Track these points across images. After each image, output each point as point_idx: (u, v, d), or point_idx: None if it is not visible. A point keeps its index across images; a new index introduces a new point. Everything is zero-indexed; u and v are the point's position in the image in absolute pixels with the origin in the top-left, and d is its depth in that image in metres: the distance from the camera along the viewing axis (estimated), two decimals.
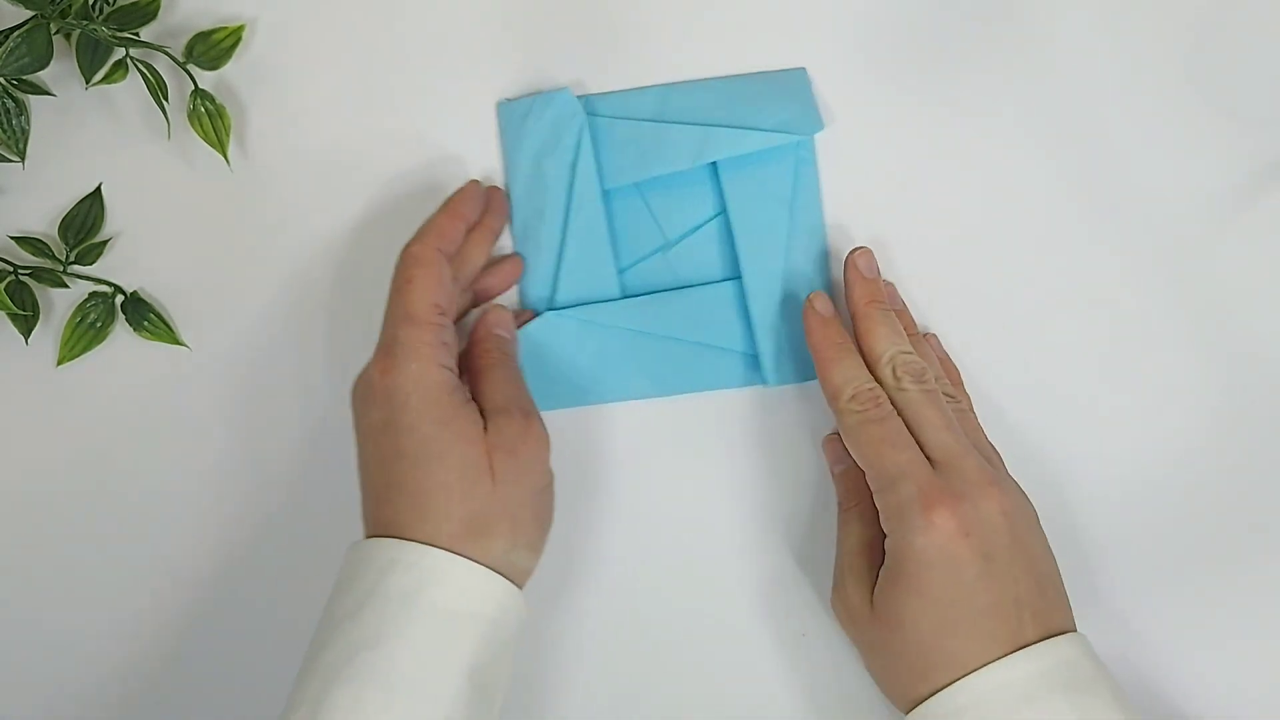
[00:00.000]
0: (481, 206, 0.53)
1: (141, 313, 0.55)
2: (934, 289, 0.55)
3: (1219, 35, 0.55)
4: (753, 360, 0.54)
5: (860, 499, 0.50)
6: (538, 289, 0.55)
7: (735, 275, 0.54)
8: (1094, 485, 0.54)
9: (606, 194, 0.54)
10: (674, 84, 0.55)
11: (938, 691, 0.44)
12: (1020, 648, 0.44)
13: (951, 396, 0.50)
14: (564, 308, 0.54)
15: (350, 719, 0.42)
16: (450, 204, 0.52)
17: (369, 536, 0.47)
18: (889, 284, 0.54)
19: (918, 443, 0.47)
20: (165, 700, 0.55)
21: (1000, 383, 0.54)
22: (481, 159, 0.56)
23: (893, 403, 0.48)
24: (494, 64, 0.56)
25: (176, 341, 0.55)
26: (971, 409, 0.52)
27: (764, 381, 0.54)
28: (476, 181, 0.54)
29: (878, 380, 0.49)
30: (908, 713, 0.46)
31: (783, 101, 0.54)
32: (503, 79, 0.56)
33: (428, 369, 0.47)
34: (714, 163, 0.54)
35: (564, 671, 0.54)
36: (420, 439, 0.46)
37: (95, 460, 0.56)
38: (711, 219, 0.55)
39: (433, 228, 0.51)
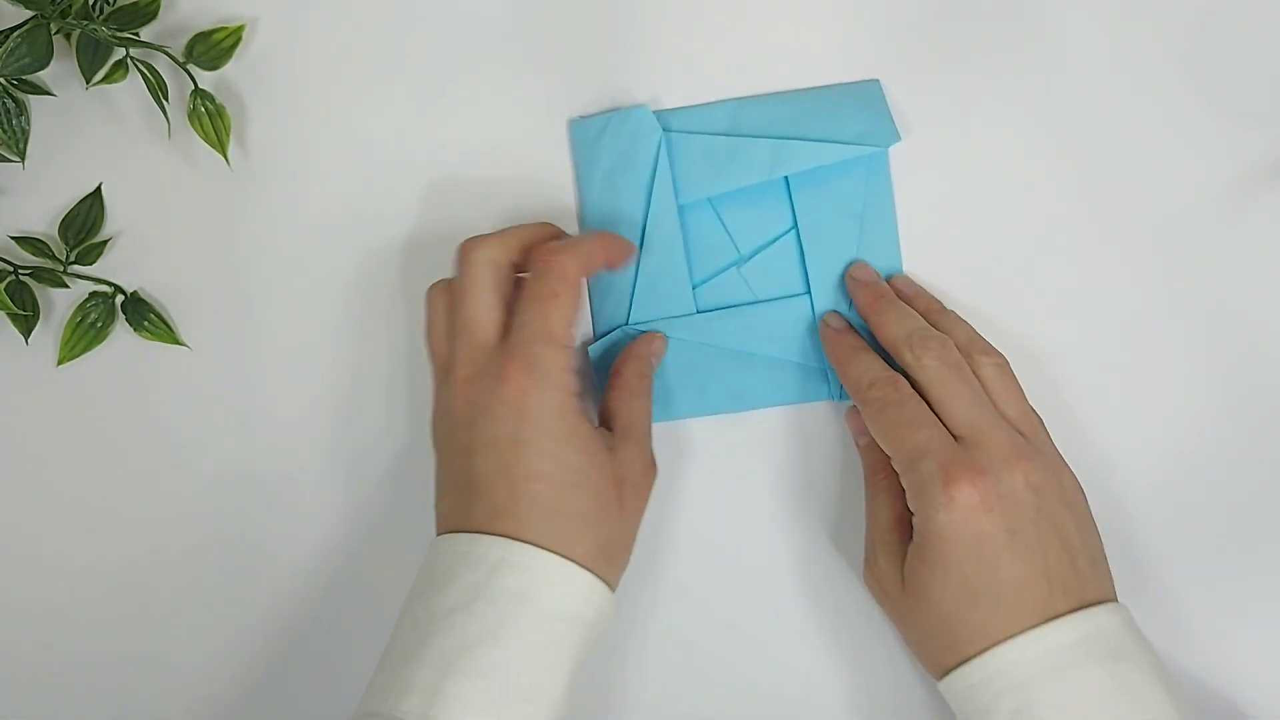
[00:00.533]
0: (628, 258, 0.52)
1: (141, 313, 0.55)
2: (934, 288, 0.55)
3: (1219, 35, 0.55)
4: (822, 374, 0.54)
5: (888, 473, 0.50)
6: (613, 305, 0.55)
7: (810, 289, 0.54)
8: (1094, 485, 0.54)
9: (680, 209, 0.54)
10: (747, 98, 0.55)
11: (968, 660, 0.45)
12: (1050, 619, 0.44)
13: (984, 357, 0.50)
14: (639, 324, 0.54)
15: (468, 710, 0.42)
16: (605, 234, 0.52)
17: (465, 531, 0.46)
18: (903, 276, 0.54)
19: (944, 419, 0.47)
20: (163, 698, 0.55)
21: None
22: (476, 159, 0.56)
23: (917, 383, 0.48)
24: (493, 67, 0.56)
25: (176, 341, 0.55)
26: (1009, 372, 0.51)
27: (831, 396, 0.54)
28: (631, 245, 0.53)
29: (902, 365, 0.49)
30: (940, 680, 0.47)
31: (858, 113, 0.54)
32: (499, 81, 0.56)
33: (566, 397, 0.46)
34: (787, 176, 0.54)
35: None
36: (560, 465, 0.45)
37: (95, 460, 0.56)
38: (786, 233, 0.55)
39: (585, 247, 0.49)
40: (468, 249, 0.49)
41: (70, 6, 0.52)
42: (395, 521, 0.55)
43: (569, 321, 0.47)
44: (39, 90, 0.55)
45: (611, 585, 0.47)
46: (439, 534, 0.48)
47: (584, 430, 0.47)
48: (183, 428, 0.56)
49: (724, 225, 0.54)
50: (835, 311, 0.53)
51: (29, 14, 0.52)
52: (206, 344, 0.56)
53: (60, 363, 0.55)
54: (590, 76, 0.56)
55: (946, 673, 0.46)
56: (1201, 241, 0.55)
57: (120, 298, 0.55)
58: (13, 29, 0.51)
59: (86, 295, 0.55)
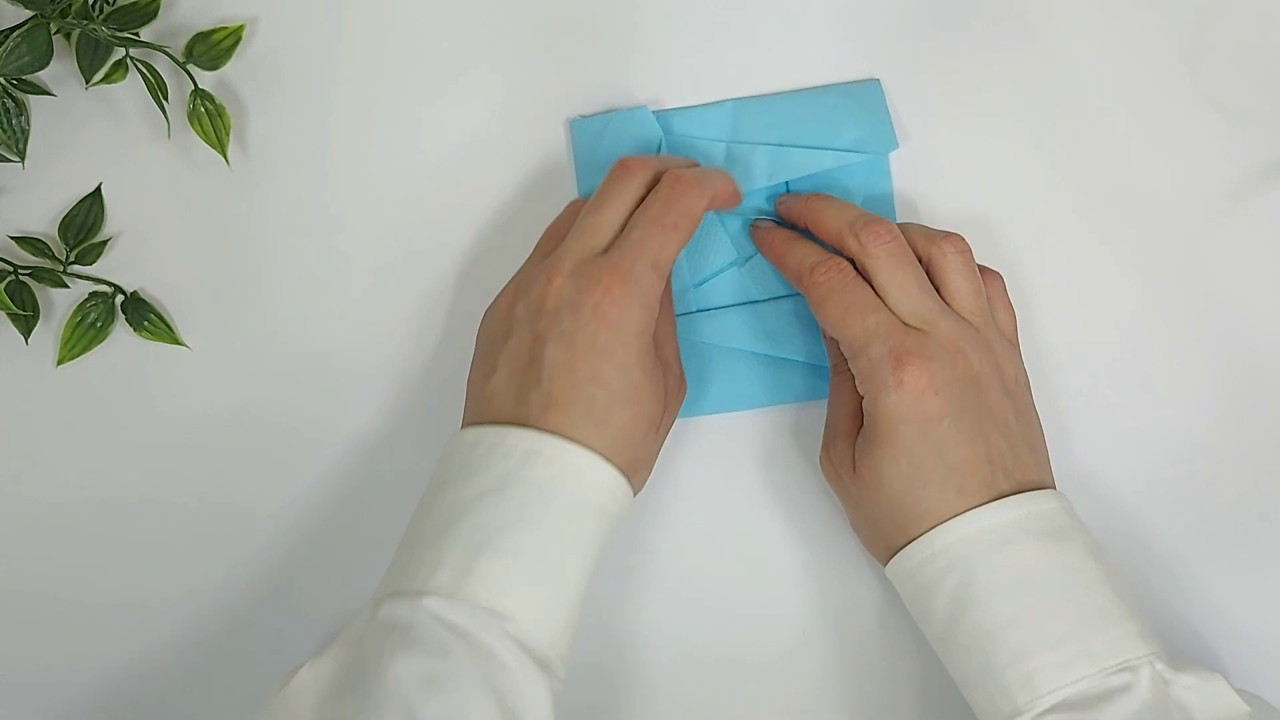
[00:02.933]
0: (734, 204, 0.52)
1: (141, 313, 0.55)
2: None
3: (1219, 34, 0.55)
4: (824, 373, 0.54)
5: None
6: None
7: None
8: (1094, 484, 0.54)
9: None
10: (747, 98, 0.55)
11: (913, 539, 0.46)
12: (993, 500, 0.46)
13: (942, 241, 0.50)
14: None
15: (497, 588, 0.43)
16: (726, 174, 0.51)
17: (497, 424, 0.47)
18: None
19: (890, 307, 0.48)
20: (162, 697, 0.55)
21: None
22: (475, 158, 0.56)
23: (865, 270, 0.48)
24: (493, 67, 0.56)
25: (176, 341, 0.55)
26: (970, 259, 0.50)
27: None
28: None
29: (847, 253, 0.49)
30: (887, 563, 0.48)
31: (858, 118, 0.54)
32: (500, 81, 0.56)
33: (650, 320, 0.47)
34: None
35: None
36: (629, 382, 0.46)
37: (95, 460, 0.56)
38: None
39: (712, 187, 0.49)
40: (631, 167, 0.49)
41: (70, 6, 0.52)
42: (398, 521, 0.55)
43: (676, 255, 0.48)
44: (39, 90, 0.55)
45: (633, 491, 0.48)
46: (473, 415, 0.48)
47: (652, 356, 0.48)
48: (183, 428, 0.56)
49: (724, 226, 0.54)
50: (762, 217, 0.54)
51: (29, 14, 0.52)
52: (206, 344, 0.56)
53: (60, 363, 0.55)
54: (590, 76, 0.56)
55: (893, 554, 0.47)
56: (1201, 242, 0.55)
57: (120, 298, 0.55)
58: (13, 29, 0.51)
59: (86, 295, 0.55)
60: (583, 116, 0.55)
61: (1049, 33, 0.55)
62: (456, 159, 0.56)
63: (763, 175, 0.53)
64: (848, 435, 0.49)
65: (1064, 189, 0.55)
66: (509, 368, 0.47)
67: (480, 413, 0.48)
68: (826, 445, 0.51)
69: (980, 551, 0.45)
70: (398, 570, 0.45)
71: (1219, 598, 0.53)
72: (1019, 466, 0.47)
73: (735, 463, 0.55)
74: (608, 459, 0.46)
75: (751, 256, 0.55)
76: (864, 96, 0.55)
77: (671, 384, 0.49)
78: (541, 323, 0.47)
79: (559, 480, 0.45)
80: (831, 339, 0.53)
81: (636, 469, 0.48)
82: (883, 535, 0.48)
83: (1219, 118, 0.55)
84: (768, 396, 0.55)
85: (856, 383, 0.48)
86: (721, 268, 0.55)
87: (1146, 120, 0.55)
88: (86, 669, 0.55)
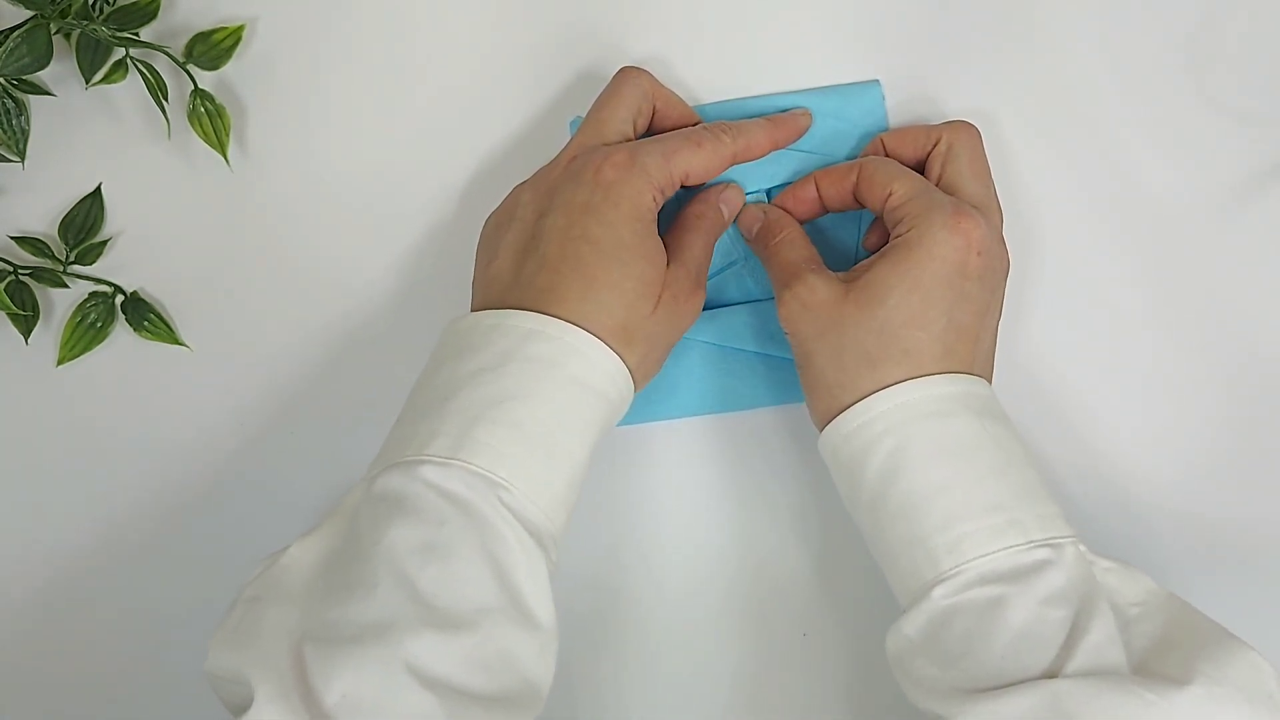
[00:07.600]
0: (786, 140, 0.53)
1: (141, 313, 0.55)
2: None
3: (1220, 35, 0.55)
4: None
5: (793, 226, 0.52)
6: None
7: None
8: (1095, 483, 0.54)
9: None
10: (747, 98, 0.55)
11: (863, 398, 0.46)
12: (943, 372, 0.46)
13: None
14: None
15: (494, 455, 0.43)
16: (780, 128, 0.53)
17: (496, 308, 0.47)
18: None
19: (959, 186, 0.50)
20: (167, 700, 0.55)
21: (998, 382, 0.54)
22: (477, 158, 0.56)
23: (946, 155, 0.51)
24: (493, 67, 0.56)
25: (176, 341, 0.55)
26: None
27: None
28: (807, 114, 0.54)
29: (935, 141, 0.51)
30: (829, 423, 0.47)
31: (857, 124, 0.54)
32: (500, 81, 0.56)
33: (648, 196, 0.48)
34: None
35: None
36: (617, 239, 0.47)
37: (95, 460, 0.56)
38: None
39: (757, 141, 0.51)
40: (628, 71, 0.52)
41: (70, 6, 0.52)
42: None
43: (694, 167, 0.49)
44: (39, 90, 0.55)
45: (632, 375, 0.48)
46: (480, 302, 0.49)
47: (649, 224, 0.48)
48: (183, 428, 0.56)
49: None
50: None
51: (29, 14, 0.52)
52: (206, 344, 0.56)
53: (60, 363, 0.55)
54: (591, 76, 0.56)
55: (835, 416, 0.47)
56: (1203, 243, 0.55)
57: (120, 298, 0.55)
58: (13, 29, 0.51)
59: (86, 295, 0.55)
60: (582, 117, 0.55)
61: (1050, 34, 0.55)
62: (457, 159, 0.56)
63: (763, 178, 0.53)
64: (818, 272, 0.49)
65: (1065, 190, 0.55)
66: (512, 249, 0.48)
67: (479, 301, 0.49)
68: (795, 284, 0.49)
69: (918, 418, 0.45)
70: (392, 445, 0.45)
71: (1220, 597, 0.53)
72: (986, 361, 0.48)
73: (735, 462, 0.55)
74: (608, 344, 0.46)
75: (751, 256, 0.55)
76: (864, 100, 0.55)
77: (675, 271, 0.49)
78: (543, 200, 0.49)
79: (559, 358, 0.45)
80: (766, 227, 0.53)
81: (629, 338, 0.47)
82: (837, 383, 0.47)
83: (1221, 119, 0.55)
84: (768, 396, 0.55)
85: (903, 221, 0.48)
86: (722, 267, 0.55)
87: (1148, 122, 0.55)
88: (86, 669, 0.55)
